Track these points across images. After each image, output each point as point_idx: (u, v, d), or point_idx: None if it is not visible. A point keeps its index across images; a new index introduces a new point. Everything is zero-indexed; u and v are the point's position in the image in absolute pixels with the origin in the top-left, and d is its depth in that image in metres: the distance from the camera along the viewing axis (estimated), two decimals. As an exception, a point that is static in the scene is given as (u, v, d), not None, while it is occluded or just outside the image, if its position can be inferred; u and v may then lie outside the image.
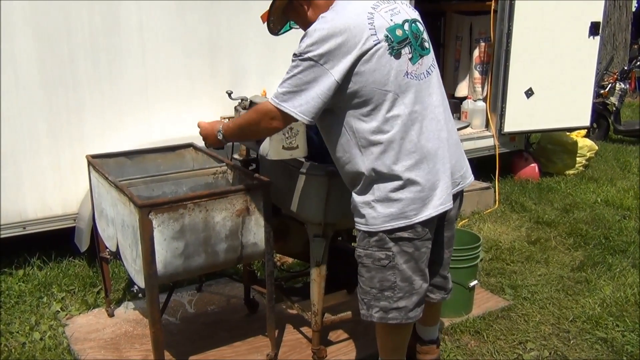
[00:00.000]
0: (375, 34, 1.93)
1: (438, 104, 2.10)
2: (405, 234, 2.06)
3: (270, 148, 2.35)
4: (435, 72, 2.13)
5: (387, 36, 1.95)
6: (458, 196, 2.28)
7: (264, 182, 2.44)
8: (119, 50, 3.52)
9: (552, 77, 5.23)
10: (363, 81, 1.94)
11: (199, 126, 2.47)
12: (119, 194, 2.39)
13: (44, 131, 3.41)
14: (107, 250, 2.89)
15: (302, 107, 1.96)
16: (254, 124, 2.13)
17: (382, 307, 2.16)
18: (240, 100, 2.77)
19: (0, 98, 3.26)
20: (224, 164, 2.84)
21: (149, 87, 3.66)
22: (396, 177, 2.01)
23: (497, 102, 5.23)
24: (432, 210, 2.05)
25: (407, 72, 1.99)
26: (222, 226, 2.34)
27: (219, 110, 3.85)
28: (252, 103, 2.73)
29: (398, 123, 1.99)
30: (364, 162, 2.03)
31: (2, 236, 3.42)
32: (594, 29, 5.23)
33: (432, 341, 2.61)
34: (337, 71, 1.92)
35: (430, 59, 2.09)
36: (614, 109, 7.60)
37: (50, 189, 3.49)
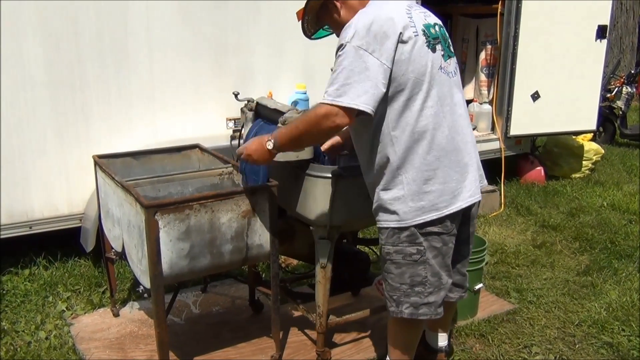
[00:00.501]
0: (415, 27, 2.00)
1: (462, 104, 2.16)
2: (435, 229, 2.09)
3: (277, 150, 2.35)
4: (459, 74, 2.20)
5: (424, 30, 2.03)
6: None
7: (270, 183, 2.44)
8: (126, 51, 3.53)
9: (559, 81, 5.21)
10: (403, 70, 1.97)
11: (241, 151, 2.24)
12: (125, 194, 2.40)
13: (51, 131, 3.42)
14: (113, 250, 2.89)
15: (362, 97, 1.92)
16: (315, 127, 1.98)
17: (412, 303, 2.18)
18: (246, 102, 2.78)
19: (7, 98, 3.27)
20: (230, 165, 2.85)
21: (156, 88, 3.67)
22: (428, 168, 2.04)
23: (503, 105, 5.22)
24: (461, 202, 2.10)
25: (441, 66, 2.06)
26: (227, 227, 2.35)
27: (225, 112, 3.87)
28: (258, 104, 2.74)
29: (432, 114, 2.03)
30: (395, 152, 2.05)
31: (8, 235, 3.44)
32: (601, 32, 5.22)
33: (441, 349, 2.60)
34: (385, 58, 1.94)
35: (454, 61, 2.17)
36: (621, 112, 7.57)
37: (57, 188, 3.51)
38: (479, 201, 2.31)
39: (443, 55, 2.08)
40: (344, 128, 2.05)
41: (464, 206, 2.11)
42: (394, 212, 2.09)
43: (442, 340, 2.61)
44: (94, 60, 3.45)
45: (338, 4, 2.15)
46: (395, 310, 2.21)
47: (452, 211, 2.08)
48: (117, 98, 3.57)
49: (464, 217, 2.22)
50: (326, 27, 2.34)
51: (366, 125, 2.08)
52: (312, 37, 2.36)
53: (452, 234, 2.15)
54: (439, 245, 2.12)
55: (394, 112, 2.02)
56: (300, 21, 2.26)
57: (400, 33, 1.95)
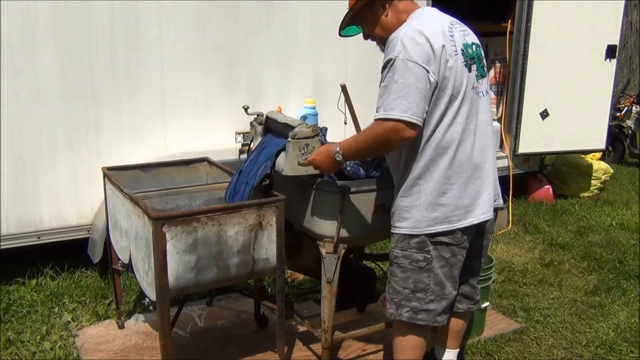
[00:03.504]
0: (455, 46, 2.06)
1: (488, 123, 2.21)
2: (445, 239, 2.14)
3: (286, 164, 2.36)
4: (489, 95, 2.25)
5: (462, 50, 2.09)
6: (494, 212, 2.34)
7: (277, 197, 2.45)
8: (138, 65, 3.57)
9: (568, 99, 5.21)
10: (444, 85, 2.04)
11: (309, 161, 2.31)
12: (133, 206, 2.41)
13: (63, 143, 3.45)
14: (120, 262, 2.90)
15: (413, 109, 1.98)
16: (382, 140, 2.05)
17: (412, 308, 2.22)
18: (256, 116, 2.80)
19: (21, 110, 3.31)
20: (238, 178, 2.85)
21: (167, 101, 3.70)
22: (446, 182, 2.10)
23: (511, 122, 5.21)
24: (474, 218, 2.15)
25: (473, 86, 2.12)
26: (234, 241, 2.35)
27: (234, 125, 3.89)
28: (268, 118, 2.75)
29: (458, 131, 2.08)
30: (418, 162, 2.11)
31: (17, 245, 3.45)
32: (611, 51, 5.22)
33: None
34: (432, 70, 1.99)
35: (487, 81, 2.23)
36: (630, 132, 7.55)
37: (66, 199, 3.53)
38: (495, 216, 2.37)
39: (477, 75, 2.14)
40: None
41: (475, 222, 2.16)
42: (407, 219, 2.16)
43: (450, 356, 2.59)
44: (107, 72, 3.49)
45: (387, 5, 2.18)
46: (394, 313, 2.26)
47: (463, 225, 2.14)
48: (128, 110, 3.60)
49: (478, 230, 2.26)
50: (357, 25, 2.33)
51: None
52: (342, 33, 2.39)
53: (463, 247, 2.19)
54: (447, 255, 2.17)
55: (427, 124, 2.07)
56: (349, 9, 2.25)
57: (445, 50, 2.01)
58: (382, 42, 2.15)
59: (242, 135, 3.90)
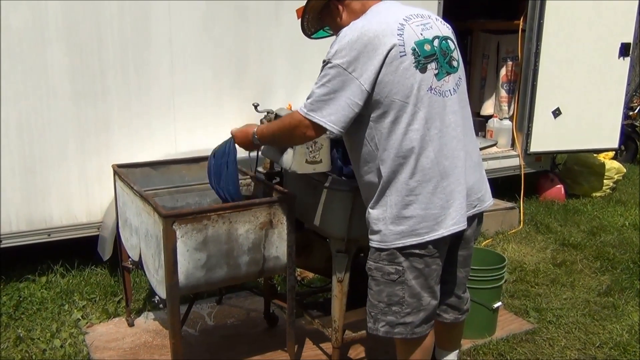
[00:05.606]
0: (403, 45, 1.92)
1: (459, 124, 2.06)
2: (416, 251, 2.04)
3: (294, 162, 2.34)
4: (461, 91, 2.09)
5: (414, 49, 1.93)
6: (476, 217, 2.22)
7: (288, 195, 2.43)
8: (148, 63, 3.57)
9: (581, 98, 5.16)
10: (386, 91, 1.92)
11: (232, 134, 2.44)
12: (143, 203, 2.40)
13: (73, 140, 3.46)
14: (130, 259, 2.90)
15: (332, 116, 1.93)
16: (287, 132, 2.09)
17: (388, 322, 2.14)
18: (266, 113, 2.78)
19: (31, 108, 3.32)
20: (248, 176, 2.84)
21: (176, 99, 3.70)
22: (409, 193, 1.99)
23: (523, 121, 5.18)
24: (444, 230, 2.03)
25: (431, 87, 1.97)
26: (245, 239, 2.34)
27: (244, 123, 3.87)
28: (277, 116, 2.73)
29: (417, 138, 1.96)
30: (381, 173, 2.01)
31: (27, 242, 3.46)
32: (624, 49, 5.17)
33: None
34: (365, 79, 1.90)
35: (456, 77, 2.06)
36: (643, 131, 7.49)
37: (76, 197, 3.53)
38: (480, 223, 2.27)
39: (437, 74, 1.98)
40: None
41: (446, 234, 2.03)
42: (377, 232, 2.06)
43: (452, 356, 2.56)
44: (117, 71, 3.49)
45: (340, 7, 2.10)
46: (372, 327, 2.18)
47: (433, 238, 2.02)
48: (138, 108, 3.60)
49: (457, 239, 2.15)
50: (327, 27, 2.30)
51: (358, 145, 2.06)
52: (312, 36, 2.33)
53: (436, 256, 2.08)
54: (420, 266, 2.06)
55: (380, 134, 1.98)
56: (299, 19, 2.22)
57: (385, 54, 1.89)
58: None
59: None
